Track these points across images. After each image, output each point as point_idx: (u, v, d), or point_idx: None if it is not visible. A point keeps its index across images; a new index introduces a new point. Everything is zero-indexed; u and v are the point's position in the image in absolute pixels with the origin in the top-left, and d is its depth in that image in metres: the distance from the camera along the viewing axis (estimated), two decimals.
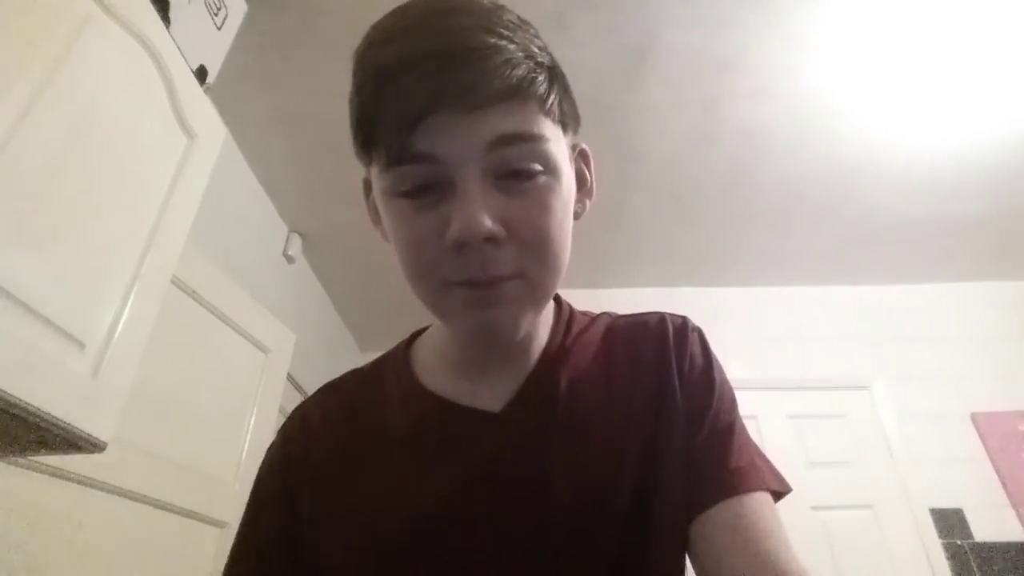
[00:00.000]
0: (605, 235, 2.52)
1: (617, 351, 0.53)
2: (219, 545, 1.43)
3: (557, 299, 0.56)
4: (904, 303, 2.70)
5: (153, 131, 1.05)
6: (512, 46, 0.39)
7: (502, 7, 0.42)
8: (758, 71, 1.83)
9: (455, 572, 0.44)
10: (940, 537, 2.16)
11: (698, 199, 2.34)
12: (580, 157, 0.50)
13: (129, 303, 0.95)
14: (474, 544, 0.44)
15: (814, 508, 2.21)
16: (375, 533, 0.46)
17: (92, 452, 0.88)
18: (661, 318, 0.55)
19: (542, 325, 0.52)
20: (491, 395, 0.49)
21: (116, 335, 0.91)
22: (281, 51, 1.73)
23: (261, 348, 1.76)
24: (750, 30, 1.71)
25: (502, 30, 0.39)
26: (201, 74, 1.28)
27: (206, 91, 1.26)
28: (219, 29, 1.36)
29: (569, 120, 0.45)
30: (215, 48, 1.36)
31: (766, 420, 2.41)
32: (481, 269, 0.40)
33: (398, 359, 0.56)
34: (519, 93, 0.39)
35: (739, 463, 0.46)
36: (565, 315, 0.55)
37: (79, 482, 1.11)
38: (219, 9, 1.36)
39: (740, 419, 0.51)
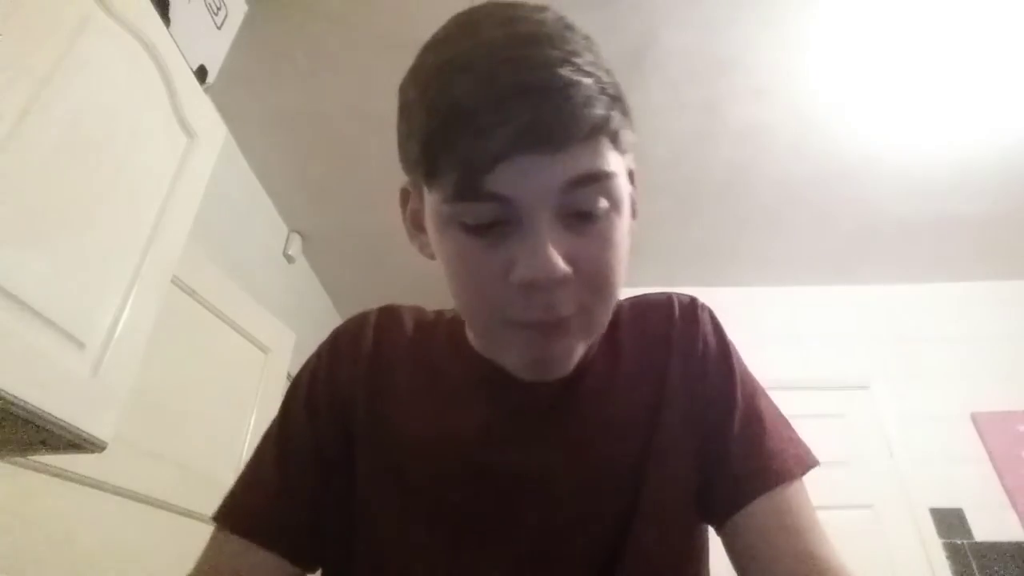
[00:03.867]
0: None
1: (622, 331, 0.53)
2: None
3: None
4: (904, 303, 2.70)
5: (153, 131, 1.05)
6: (589, 80, 0.37)
7: (571, 27, 0.40)
8: (758, 71, 1.83)
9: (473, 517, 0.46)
10: (940, 537, 2.15)
11: (698, 199, 2.34)
12: (629, 179, 0.48)
13: (129, 303, 0.95)
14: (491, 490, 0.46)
15: (814, 508, 2.20)
16: (423, 455, 0.48)
17: (92, 452, 0.88)
18: (668, 298, 0.55)
19: None
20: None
21: (116, 335, 0.91)
22: (281, 51, 1.73)
23: (261, 348, 1.76)
24: (750, 30, 1.71)
25: (579, 62, 0.37)
26: (201, 74, 1.28)
27: (206, 91, 1.26)
28: (219, 29, 1.36)
29: (630, 148, 0.44)
30: (215, 48, 1.36)
31: None
32: (546, 312, 0.39)
33: (454, 324, 0.56)
34: (597, 131, 0.37)
35: (772, 455, 0.47)
36: None
37: (79, 482, 1.11)
38: (219, 9, 1.36)
39: (765, 398, 0.52)
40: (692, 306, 0.55)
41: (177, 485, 1.33)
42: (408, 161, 0.42)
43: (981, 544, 2.14)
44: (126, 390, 0.93)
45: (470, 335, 0.53)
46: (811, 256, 2.63)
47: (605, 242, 0.40)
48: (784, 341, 2.64)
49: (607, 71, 0.40)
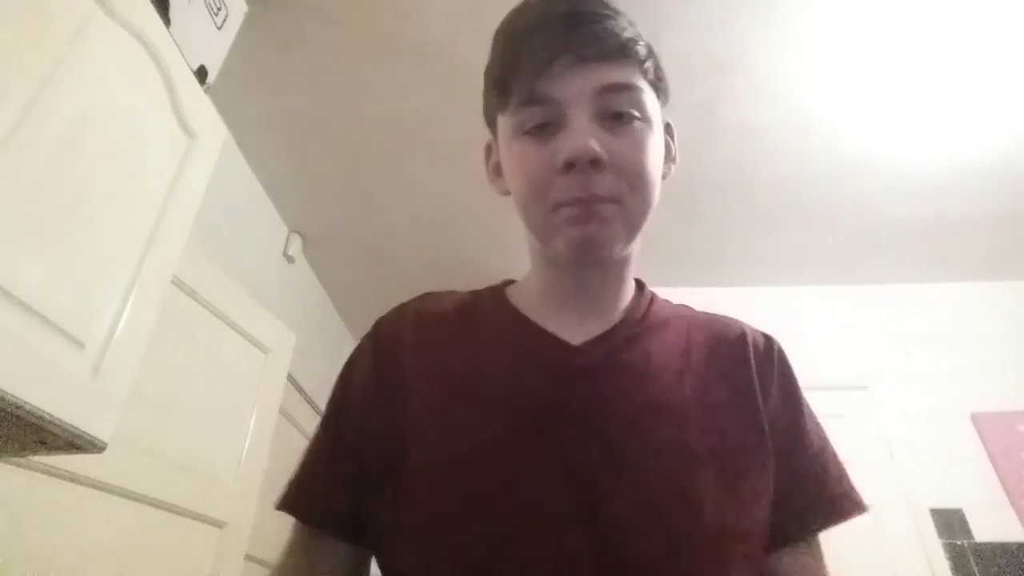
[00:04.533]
0: None
1: (695, 333, 0.56)
2: (219, 545, 1.43)
3: (640, 284, 0.61)
4: (904, 303, 2.70)
5: (153, 131, 1.05)
6: (622, 20, 0.50)
7: None
8: (757, 72, 1.83)
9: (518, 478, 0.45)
10: (940, 537, 2.15)
11: (697, 199, 2.34)
12: (667, 131, 0.57)
13: (129, 303, 0.95)
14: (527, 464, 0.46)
15: None
16: (469, 422, 0.48)
17: (92, 452, 0.88)
18: (742, 324, 0.60)
19: (628, 291, 0.58)
20: (574, 333, 0.53)
21: (116, 335, 0.91)
22: (281, 51, 1.73)
23: (261, 348, 1.76)
24: (750, 30, 1.71)
25: (616, 8, 0.50)
26: (201, 74, 1.28)
27: (206, 91, 1.26)
28: (219, 29, 1.36)
29: (662, 89, 0.54)
30: (215, 48, 1.36)
31: None
32: (583, 189, 0.46)
33: (496, 290, 0.60)
34: (625, 53, 0.48)
35: (841, 494, 0.52)
36: (648, 293, 0.60)
37: (79, 482, 1.11)
38: (219, 9, 1.36)
39: (827, 437, 0.56)
40: (768, 338, 0.60)
41: (177, 485, 1.33)
42: (488, 103, 0.54)
43: (981, 544, 2.13)
44: (126, 390, 0.93)
45: (513, 295, 0.58)
46: (811, 256, 2.63)
47: (637, 144, 0.48)
48: (784, 341, 2.62)
49: (636, 27, 0.52)
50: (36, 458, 1.01)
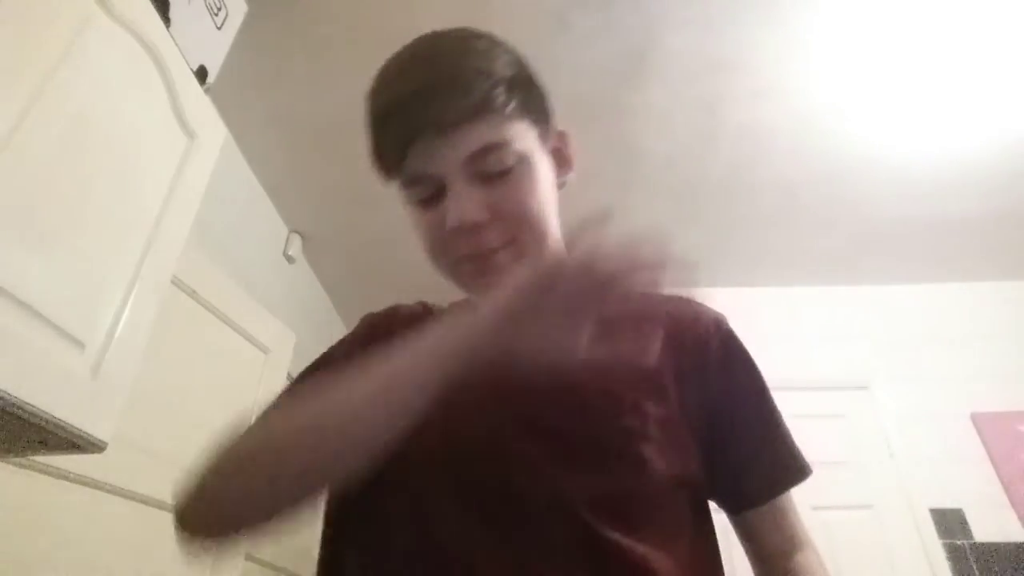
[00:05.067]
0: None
1: (647, 300, 0.58)
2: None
3: None
4: (904, 303, 2.70)
5: (153, 131, 1.05)
6: (470, 74, 0.49)
7: (467, 36, 0.53)
8: (758, 71, 1.83)
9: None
10: (940, 537, 2.15)
11: (698, 199, 2.34)
12: (558, 139, 0.60)
13: (129, 303, 0.95)
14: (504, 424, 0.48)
15: (814, 508, 2.19)
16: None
17: (92, 452, 0.88)
18: (694, 302, 0.63)
19: None
20: None
21: (116, 335, 0.91)
22: (281, 51, 1.73)
23: (261, 348, 1.76)
24: (750, 30, 1.71)
25: (463, 61, 0.50)
26: (201, 74, 1.28)
27: (206, 91, 1.26)
28: (219, 29, 1.36)
29: (537, 114, 0.55)
30: (215, 48, 1.35)
31: None
32: (475, 247, 0.51)
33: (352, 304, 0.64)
34: (480, 110, 0.49)
35: (794, 458, 0.58)
36: None
37: (79, 482, 1.11)
38: (219, 9, 1.36)
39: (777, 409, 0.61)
40: (719, 314, 0.63)
41: (177, 485, 1.33)
42: (377, 169, 0.55)
43: (981, 544, 2.14)
44: (126, 390, 0.93)
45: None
46: (811, 256, 2.64)
47: (518, 190, 0.51)
48: (784, 341, 2.64)
49: (506, 63, 0.52)
50: (36, 458, 1.01)
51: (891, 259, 2.63)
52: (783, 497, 0.58)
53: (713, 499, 0.56)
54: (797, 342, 2.63)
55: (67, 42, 0.85)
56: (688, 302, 0.62)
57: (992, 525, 2.16)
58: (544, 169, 0.55)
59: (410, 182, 0.51)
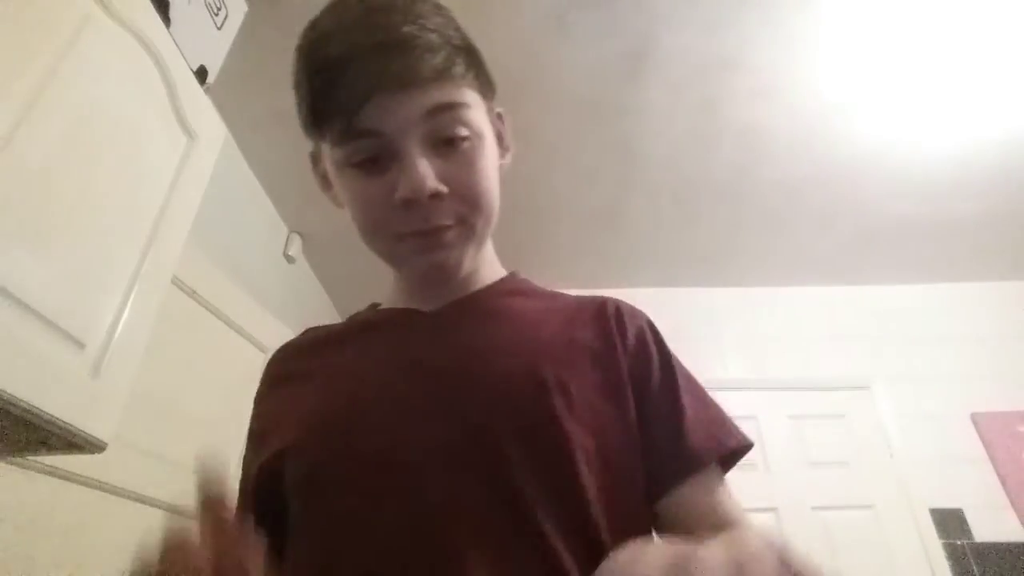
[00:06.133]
0: (604, 235, 2.52)
1: (557, 299, 0.59)
2: None
3: (513, 273, 0.63)
4: (904, 303, 2.70)
5: (153, 131, 1.05)
6: (432, 35, 0.47)
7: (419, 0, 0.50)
8: (758, 71, 1.83)
9: (377, 448, 0.45)
10: (940, 537, 2.15)
11: (698, 199, 2.34)
12: (499, 119, 0.58)
13: (129, 303, 0.95)
14: (392, 417, 0.46)
15: (814, 508, 2.20)
16: (307, 416, 0.49)
17: (92, 452, 0.88)
18: (607, 297, 0.59)
19: (488, 269, 0.60)
20: (433, 305, 0.55)
21: (116, 335, 0.91)
22: (281, 51, 1.72)
23: (261, 348, 1.76)
24: (750, 30, 1.71)
25: (424, 22, 0.47)
26: (201, 74, 1.28)
27: (206, 91, 1.26)
28: (219, 29, 1.36)
29: (486, 89, 0.54)
30: (215, 48, 1.35)
31: (766, 420, 2.41)
32: (425, 221, 0.48)
33: (351, 302, 0.63)
34: (443, 72, 0.47)
35: (695, 438, 0.49)
36: (516, 276, 0.63)
37: (79, 482, 1.11)
38: (219, 9, 1.36)
39: (696, 383, 0.54)
40: (631, 305, 0.58)
41: (177, 485, 1.33)
42: (305, 125, 0.51)
43: (981, 544, 2.14)
44: (126, 390, 0.93)
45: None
46: (811, 256, 2.63)
47: (471, 165, 0.49)
48: (784, 341, 2.64)
49: (455, 30, 0.50)
50: (36, 458, 1.01)
51: (891, 259, 2.63)
52: (711, 478, 0.48)
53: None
54: (797, 342, 2.63)
55: (67, 42, 0.85)
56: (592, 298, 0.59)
57: (992, 525, 2.16)
58: (492, 147, 0.54)
59: (356, 136, 0.47)
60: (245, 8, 1.47)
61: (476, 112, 0.51)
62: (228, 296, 1.64)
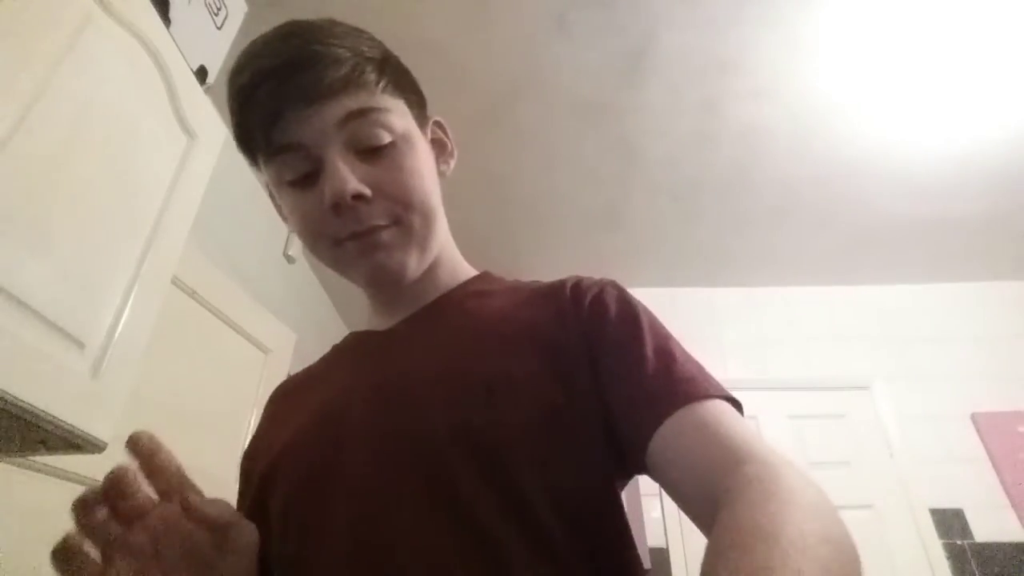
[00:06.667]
0: (605, 235, 2.52)
1: (520, 291, 0.58)
2: None
3: (485, 272, 0.63)
4: (904, 303, 2.71)
5: (153, 131, 1.04)
6: (340, 50, 0.49)
7: (332, 21, 0.52)
8: (758, 71, 1.83)
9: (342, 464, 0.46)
10: (940, 537, 2.16)
11: (698, 199, 2.34)
12: (437, 127, 0.60)
13: (129, 303, 0.95)
14: (357, 436, 0.46)
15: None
16: (281, 452, 0.50)
17: (92, 452, 0.88)
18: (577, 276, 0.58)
19: (448, 276, 0.59)
20: (390, 323, 0.57)
21: (116, 335, 0.91)
22: None
23: (261, 348, 1.76)
24: (750, 30, 1.71)
25: (331, 40, 0.49)
26: (201, 74, 1.28)
27: (206, 91, 1.26)
28: (219, 29, 1.36)
29: (411, 96, 0.55)
30: (215, 48, 1.35)
31: (766, 420, 2.41)
32: (358, 223, 0.48)
33: (350, 303, 0.65)
34: (351, 82, 0.48)
35: (685, 379, 0.44)
36: (484, 276, 0.62)
37: (79, 482, 1.11)
38: (219, 9, 1.36)
39: (678, 344, 0.50)
40: (593, 278, 0.56)
41: None
42: (242, 153, 0.53)
43: (981, 544, 2.14)
44: (126, 390, 0.93)
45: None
46: (811, 256, 2.64)
47: (399, 167, 0.50)
48: (784, 341, 2.64)
49: (370, 45, 0.52)
50: (36, 458, 1.01)
51: (891, 259, 2.63)
52: (702, 413, 0.41)
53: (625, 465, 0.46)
54: (797, 342, 2.63)
55: (67, 42, 0.85)
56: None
57: (992, 525, 2.17)
58: (425, 152, 0.54)
59: (278, 151, 0.49)
60: (245, 8, 1.47)
61: (397, 117, 0.51)
62: (228, 296, 1.64)
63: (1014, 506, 2.19)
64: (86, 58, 0.88)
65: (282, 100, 0.47)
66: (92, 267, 0.89)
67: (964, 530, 2.17)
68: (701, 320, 2.70)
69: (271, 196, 0.58)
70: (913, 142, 2.06)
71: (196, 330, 1.51)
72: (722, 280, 2.77)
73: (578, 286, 0.54)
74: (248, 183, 2.18)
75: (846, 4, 1.64)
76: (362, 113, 0.48)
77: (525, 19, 1.64)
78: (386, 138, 0.49)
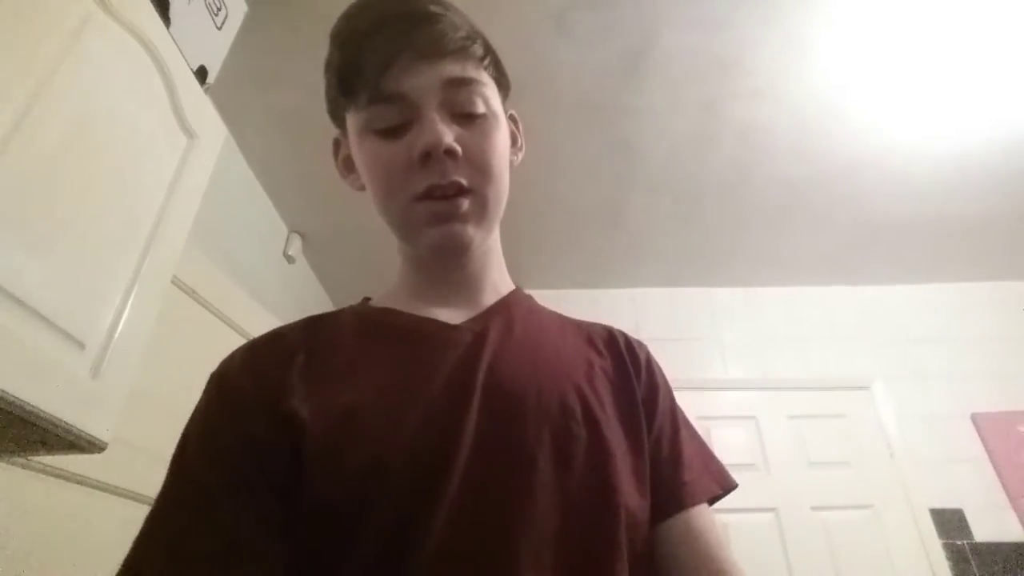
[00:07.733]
0: (605, 235, 2.52)
1: (567, 323, 0.61)
2: None
3: (517, 286, 0.64)
4: (904, 303, 2.70)
5: (153, 131, 1.04)
6: (457, 18, 0.52)
7: None
8: (758, 71, 1.83)
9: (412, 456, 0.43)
10: (940, 537, 2.15)
11: (698, 199, 2.34)
12: (512, 121, 0.61)
13: (129, 303, 0.95)
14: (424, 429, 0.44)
15: (814, 508, 2.20)
16: (349, 419, 0.45)
17: (92, 453, 0.88)
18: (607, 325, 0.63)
19: (499, 277, 0.60)
20: (449, 316, 0.54)
21: (116, 335, 0.91)
22: (281, 51, 1.73)
23: None
24: (750, 30, 1.71)
25: (446, 5, 0.52)
26: (201, 74, 1.28)
27: (206, 91, 1.26)
28: (219, 29, 1.36)
29: (503, 81, 0.58)
30: (215, 48, 1.35)
31: (766, 420, 2.41)
32: (442, 175, 0.49)
33: (357, 304, 0.63)
34: (463, 49, 0.51)
35: (691, 474, 0.52)
36: (521, 292, 0.63)
37: (79, 482, 1.11)
38: (219, 9, 1.36)
39: (684, 416, 0.58)
40: (635, 337, 0.61)
41: None
42: (332, 101, 0.56)
43: (981, 544, 2.14)
44: (126, 390, 0.93)
45: (376, 302, 0.59)
46: (811, 256, 2.63)
47: (486, 137, 0.52)
48: (784, 341, 2.64)
49: (470, 23, 0.53)
50: (36, 458, 1.01)
51: (891, 259, 2.63)
52: (696, 518, 0.50)
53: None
54: (797, 342, 2.63)
55: (67, 42, 0.85)
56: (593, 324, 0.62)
57: (992, 525, 2.16)
58: (506, 135, 0.56)
59: (379, 99, 0.49)
60: (245, 8, 1.47)
61: (492, 95, 0.54)
62: (228, 296, 1.64)
63: (1014, 506, 2.19)
64: (86, 58, 0.88)
65: (401, 49, 0.49)
66: (92, 267, 0.89)
67: (964, 530, 2.17)
68: (701, 320, 2.70)
69: (335, 147, 0.61)
70: (913, 142, 2.06)
71: (196, 330, 1.51)
72: (722, 280, 2.77)
73: (631, 345, 0.59)
74: (248, 183, 2.19)
75: (846, 4, 1.64)
76: (465, 82, 0.50)
77: (525, 19, 1.64)
78: (481, 108, 0.51)
